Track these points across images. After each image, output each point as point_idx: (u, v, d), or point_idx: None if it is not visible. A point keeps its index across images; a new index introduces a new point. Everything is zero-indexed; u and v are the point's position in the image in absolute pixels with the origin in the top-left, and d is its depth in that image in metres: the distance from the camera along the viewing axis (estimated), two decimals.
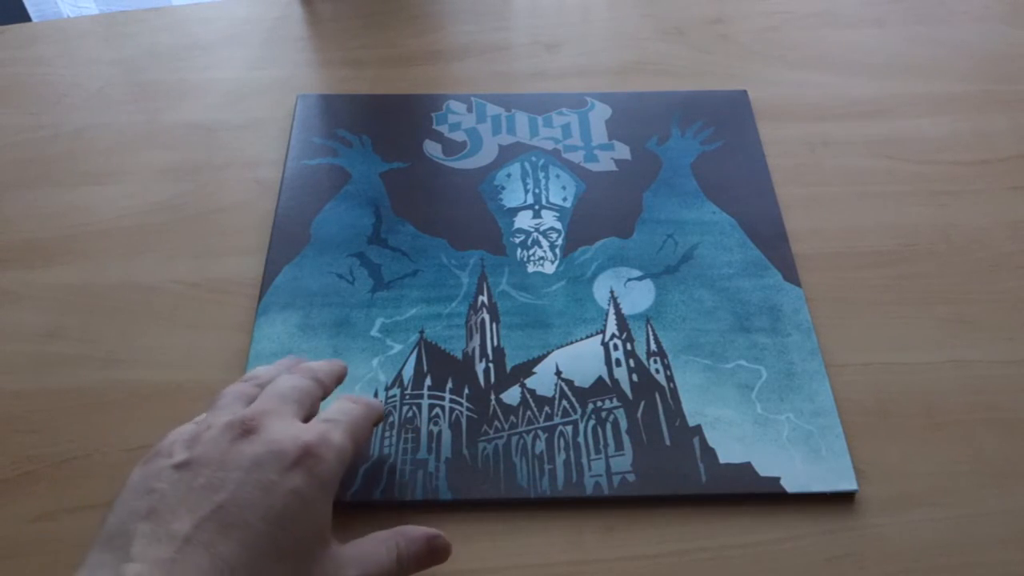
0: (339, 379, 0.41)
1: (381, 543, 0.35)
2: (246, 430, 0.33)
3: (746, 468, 0.41)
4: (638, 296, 0.48)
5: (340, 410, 0.37)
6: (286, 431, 0.34)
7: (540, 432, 0.42)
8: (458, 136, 0.57)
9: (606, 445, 0.42)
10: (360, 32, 0.66)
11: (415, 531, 0.36)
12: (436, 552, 0.36)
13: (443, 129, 0.57)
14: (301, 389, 0.37)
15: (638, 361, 0.45)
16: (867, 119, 0.58)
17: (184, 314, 0.48)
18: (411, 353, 0.45)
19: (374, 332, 0.46)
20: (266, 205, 0.53)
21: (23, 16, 1.23)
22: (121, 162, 0.56)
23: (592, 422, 0.43)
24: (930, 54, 0.63)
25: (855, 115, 0.59)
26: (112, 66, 0.64)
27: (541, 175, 0.54)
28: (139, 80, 0.62)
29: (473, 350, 0.46)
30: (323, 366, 0.40)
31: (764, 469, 0.41)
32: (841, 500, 0.40)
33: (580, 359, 0.45)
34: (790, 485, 0.40)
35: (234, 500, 0.31)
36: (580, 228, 0.51)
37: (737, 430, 0.42)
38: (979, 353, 0.46)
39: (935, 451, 0.42)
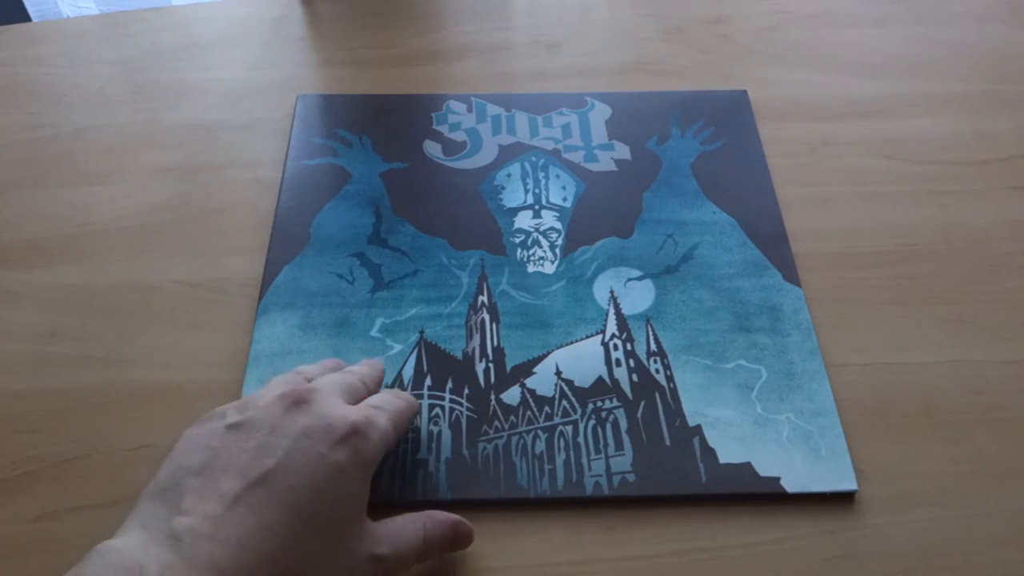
0: (380, 381, 0.43)
1: (410, 523, 0.36)
2: (299, 400, 0.35)
3: (746, 468, 0.41)
4: (638, 296, 0.48)
5: (384, 400, 0.39)
6: (335, 408, 0.36)
7: (540, 432, 0.42)
8: (458, 136, 0.57)
9: (606, 445, 0.42)
10: (360, 32, 0.66)
11: (442, 516, 0.37)
12: (460, 537, 0.38)
13: (443, 129, 0.57)
14: (350, 383, 0.40)
15: (638, 361, 0.45)
16: (867, 119, 0.58)
17: (184, 314, 0.48)
18: (411, 353, 0.45)
19: (374, 332, 0.46)
20: (266, 205, 0.53)
21: (23, 16, 1.23)
22: (121, 162, 0.56)
23: (592, 422, 0.43)
24: (930, 54, 0.63)
25: (855, 115, 0.59)
26: (112, 66, 0.64)
27: (541, 175, 0.54)
28: (139, 80, 0.62)
29: (473, 350, 0.46)
30: (366, 371, 0.42)
31: (764, 469, 0.41)
32: (841, 500, 0.40)
33: (580, 359, 0.45)
34: (790, 485, 0.40)
35: (282, 467, 0.33)
36: (580, 228, 0.51)
37: (737, 430, 0.42)
38: (979, 353, 0.46)
39: (935, 451, 0.42)
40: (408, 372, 0.45)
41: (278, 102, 0.60)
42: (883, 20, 0.66)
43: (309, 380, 0.40)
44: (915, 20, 0.66)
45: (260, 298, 0.48)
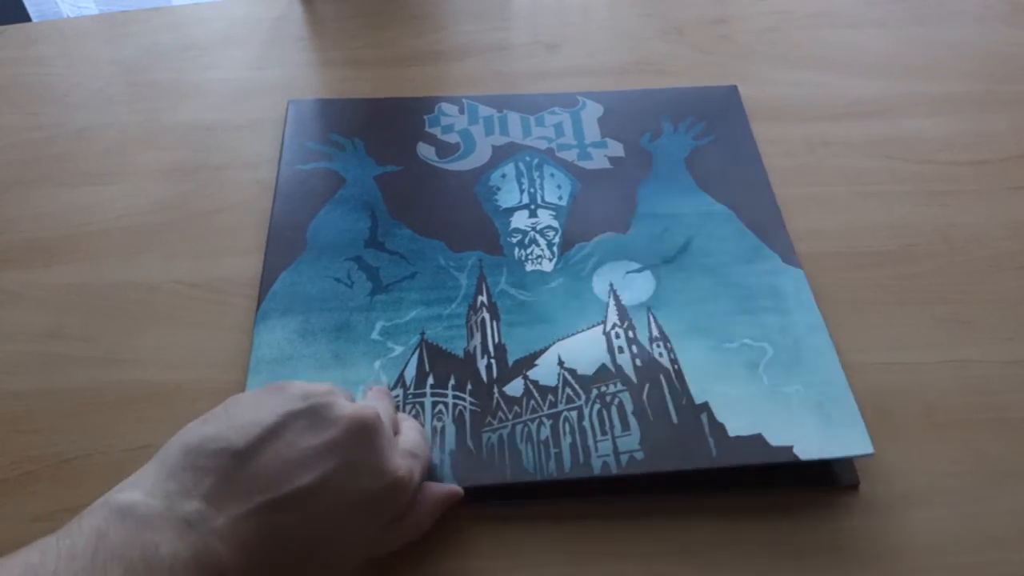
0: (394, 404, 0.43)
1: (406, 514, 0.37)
2: (367, 431, 0.34)
3: (757, 439, 0.40)
4: (637, 287, 0.48)
5: (418, 446, 0.38)
6: (390, 454, 0.35)
7: (545, 419, 0.42)
8: (451, 138, 0.57)
9: (612, 427, 0.41)
10: (360, 32, 0.66)
11: (436, 496, 0.38)
12: (452, 503, 0.39)
13: (436, 131, 0.57)
14: (391, 416, 0.40)
15: (641, 347, 0.45)
16: (867, 119, 0.58)
17: (184, 314, 0.48)
18: (412, 354, 0.45)
19: (375, 335, 0.46)
20: (266, 205, 0.53)
21: (23, 16, 1.23)
22: (121, 162, 0.56)
23: (597, 406, 0.42)
24: (930, 54, 0.63)
25: (855, 115, 0.59)
26: (112, 66, 0.64)
27: (536, 174, 0.54)
28: (139, 80, 0.62)
29: (474, 348, 0.45)
30: (387, 400, 0.42)
31: (775, 439, 0.40)
32: (843, 500, 0.40)
33: (582, 349, 0.45)
34: (803, 452, 0.40)
35: (318, 488, 0.32)
36: (577, 226, 0.51)
37: (746, 404, 0.42)
38: (979, 353, 0.46)
39: (935, 451, 0.42)
40: (410, 373, 0.45)
41: (278, 102, 0.60)
42: (883, 20, 0.66)
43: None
44: (915, 20, 0.66)
45: (258, 305, 0.47)
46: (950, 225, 0.52)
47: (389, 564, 0.38)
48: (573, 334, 0.46)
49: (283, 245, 0.50)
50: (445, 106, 0.59)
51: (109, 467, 0.42)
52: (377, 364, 0.45)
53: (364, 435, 0.34)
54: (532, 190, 0.53)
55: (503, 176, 0.54)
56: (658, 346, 0.45)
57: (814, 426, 0.41)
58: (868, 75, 0.61)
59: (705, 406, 0.42)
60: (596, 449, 0.41)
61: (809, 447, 0.40)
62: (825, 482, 0.41)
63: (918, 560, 0.38)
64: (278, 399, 0.34)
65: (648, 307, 0.47)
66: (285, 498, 0.32)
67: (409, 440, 0.38)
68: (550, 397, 0.43)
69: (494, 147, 0.56)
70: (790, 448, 0.40)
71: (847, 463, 0.41)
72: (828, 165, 0.55)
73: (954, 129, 0.58)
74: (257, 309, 0.47)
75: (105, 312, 0.48)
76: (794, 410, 0.41)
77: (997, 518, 0.40)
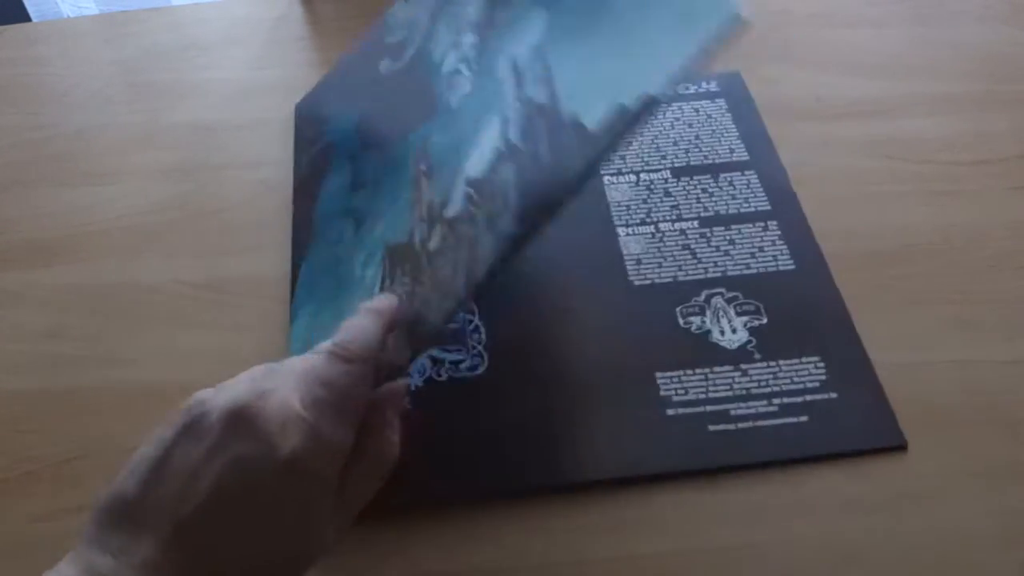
0: (363, 331, 0.36)
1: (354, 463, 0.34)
2: (239, 418, 0.31)
3: (620, 108, 0.33)
4: (529, 35, 0.41)
5: (326, 376, 0.33)
6: (276, 433, 0.31)
7: (448, 255, 0.38)
8: (399, 35, 0.52)
9: (495, 219, 0.36)
10: (360, 32, 0.66)
11: (385, 398, 0.36)
12: (398, 400, 0.37)
13: (390, 40, 0.53)
14: (316, 369, 0.34)
15: (526, 101, 0.38)
16: (867, 119, 0.58)
17: (184, 314, 0.48)
18: (379, 272, 0.43)
19: (357, 272, 0.45)
20: (266, 205, 0.53)
21: (23, 16, 1.23)
22: (121, 162, 0.56)
23: (484, 207, 0.37)
24: (930, 54, 0.63)
25: (855, 115, 0.59)
26: (112, 66, 0.64)
27: (467, 4, 0.48)
28: (139, 80, 0.62)
29: (414, 226, 0.42)
30: (346, 335, 0.35)
31: (640, 86, 0.32)
32: (842, 499, 0.40)
33: (482, 150, 0.40)
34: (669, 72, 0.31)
35: (211, 502, 0.30)
36: (495, 23, 0.45)
37: (621, 77, 0.34)
38: (979, 353, 0.46)
39: (935, 451, 0.42)
40: (377, 290, 0.42)
41: (278, 102, 0.60)
42: (883, 20, 0.66)
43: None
44: (915, 20, 0.66)
45: (291, 303, 0.47)
46: (950, 225, 0.52)
47: (388, 562, 0.38)
48: (477, 145, 0.40)
49: (299, 240, 0.50)
50: (393, 8, 0.54)
51: (109, 467, 0.41)
52: (358, 301, 0.43)
53: (240, 424, 0.31)
54: (458, 23, 0.47)
55: (436, 32, 0.49)
56: (542, 86, 0.38)
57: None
58: (868, 75, 0.61)
59: (576, 121, 0.35)
60: (478, 258, 0.36)
61: (676, 47, 0.31)
62: (870, 441, 0.40)
63: (918, 560, 0.38)
64: (163, 424, 0.33)
65: (539, 48, 0.39)
66: (187, 522, 0.30)
67: (315, 378, 0.33)
68: (458, 227, 0.38)
69: (432, 12, 0.50)
70: (658, 82, 0.31)
71: (890, 421, 0.41)
72: (828, 165, 0.55)
73: (954, 129, 0.57)
74: (291, 307, 0.47)
75: (105, 312, 0.48)
76: (675, 28, 0.32)
77: (997, 518, 0.40)
